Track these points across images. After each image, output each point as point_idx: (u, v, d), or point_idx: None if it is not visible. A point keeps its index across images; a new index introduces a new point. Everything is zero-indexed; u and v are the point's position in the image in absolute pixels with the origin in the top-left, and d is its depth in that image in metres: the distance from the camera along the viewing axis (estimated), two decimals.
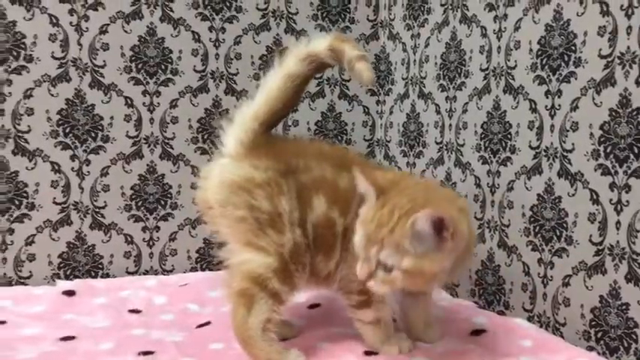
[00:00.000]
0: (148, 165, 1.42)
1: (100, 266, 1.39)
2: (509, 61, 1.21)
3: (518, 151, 1.19)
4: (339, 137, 1.62)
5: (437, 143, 1.43)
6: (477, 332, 1.08)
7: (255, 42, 1.50)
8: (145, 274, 1.43)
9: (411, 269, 0.83)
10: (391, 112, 1.62)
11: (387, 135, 1.64)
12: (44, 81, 1.32)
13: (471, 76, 1.31)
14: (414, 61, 1.52)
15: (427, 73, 1.46)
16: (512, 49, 1.20)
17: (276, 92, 0.99)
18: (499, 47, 1.23)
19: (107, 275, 1.39)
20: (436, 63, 1.43)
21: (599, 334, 1.01)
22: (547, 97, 1.12)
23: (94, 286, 1.28)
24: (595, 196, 1.02)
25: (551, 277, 1.11)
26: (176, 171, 1.44)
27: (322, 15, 1.56)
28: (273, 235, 0.92)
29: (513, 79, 1.20)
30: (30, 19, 1.30)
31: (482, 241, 1.28)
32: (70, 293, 1.23)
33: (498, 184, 1.24)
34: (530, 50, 1.15)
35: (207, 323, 1.11)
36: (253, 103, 0.99)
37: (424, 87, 1.48)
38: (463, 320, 1.14)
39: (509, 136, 1.21)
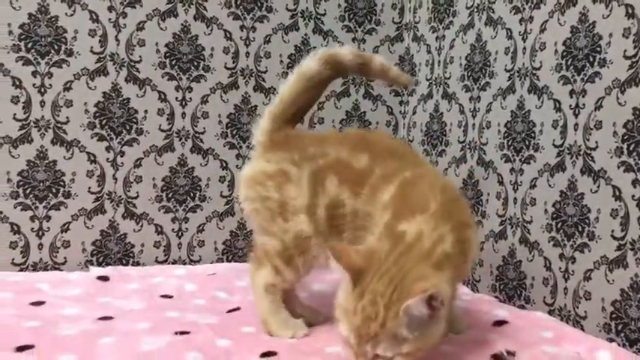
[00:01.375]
0: (179, 158, 1.46)
1: (131, 254, 1.43)
2: (534, 61, 1.24)
3: (541, 149, 1.22)
4: None
5: (460, 142, 1.47)
6: (499, 323, 1.11)
7: (284, 41, 1.55)
8: (173, 263, 1.47)
9: (413, 351, 0.80)
10: (414, 112, 1.66)
11: (409, 134, 1.67)
12: (83, 74, 1.37)
13: (496, 77, 1.35)
14: (439, 62, 1.56)
15: (451, 73, 1.50)
16: (537, 50, 1.23)
17: (288, 90, 1.05)
18: (524, 48, 1.27)
19: (138, 263, 1.43)
20: (461, 64, 1.47)
21: (620, 327, 1.04)
22: (571, 97, 1.15)
23: (126, 273, 1.33)
24: (618, 193, 1.05)
25: (573, 271, 1.14)
26: (205, 164, 1.49)
27: (349, 16, 1.61)
28: (280, 223, 1.00)
29: (538, 79, 1.23)
30: (71, 14, 1.35)
31: (504, 237, 1.31)
32: (103, 278, 1.28)
33: (521, 182, 1.27)
34: (556, 51, 1.18)
35: (237, 309, 1.15)
36: (271, 103, 1.06)
37: (448, 87, 1.51)
38: (485, 313, 1.17)
39: (532, 134, 1.24)
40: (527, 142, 1.25)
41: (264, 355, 0.92)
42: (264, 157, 1.04)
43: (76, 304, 1.12)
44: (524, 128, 1.26)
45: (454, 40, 1.49)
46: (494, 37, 1.35)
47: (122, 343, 0.92)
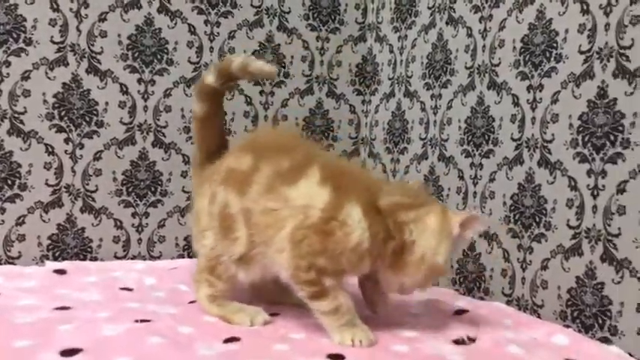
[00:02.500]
0: (140, 152, 1.44)
1: (89, 249, 1.40)
2: (493, 59, 1.28)
3: (500, 143, 1.25)
4: (326, 134, 1.67)
5: (421, 139, 1.49)
6: (460, 312, 1.13)
7: (249, 37, 1.55)
8: (132, 259, 1.44)
9: None
10: (376, 111, 1.68)
11: (372, 133, 1.69)
12: (42, 64, 1.34)
13: (456, 74, 1.38)
14: (401, 61, 1.58)
15: (413, 72, 1.53)
16: (496, 48, 1.27)
17: (197, 138, 1.15)
18: (484, 46, 1.30)
19: (95, 259, 1.40)
20: (422, 63, 1.49)
21: (576, 314, 1.07)
22: (529, 92, 1.18)
23: (84, 267, 1.30)
24: (573, 183, 1.08)
25: (530, 261, 1.17)
26: (167, 159, 1.47)
27: (313, 15, 1.62)
28: (201, 240, 1.07)
29: (497, 75, 1.26)
30: (31, 2, 1.32)
31: None
32: (60, 272, 1.25)
33: (481, 176, 1.30)
34: (514, 48, 1.22)
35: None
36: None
37: (410, 86, 1.54)
38: (445, 303, 1.19)
39: (492, 129, 1.27)
40: (486, 137, 1.28)
41: (227, 340, 0.91)
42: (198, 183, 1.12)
43: (32, 295, 1.09)
44: (483, 123, 1.29)
45: (416, 39, 1.52)
46: (455, 35, 1.38)
47: (81, 329, 0.90)
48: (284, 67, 1.60)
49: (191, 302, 1.12)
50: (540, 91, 1.16)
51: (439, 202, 1.27)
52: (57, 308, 1.01)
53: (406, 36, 1.56)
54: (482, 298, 1.27)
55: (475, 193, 1.31)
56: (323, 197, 0.93)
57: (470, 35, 1.34)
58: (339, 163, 1.06)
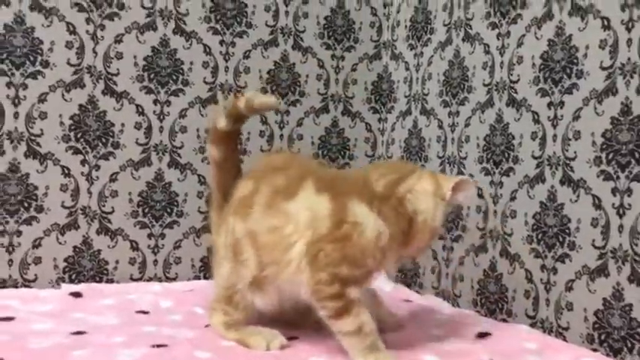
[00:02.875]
0: (155, 172, 1.44)
1: (105, 272, 1.39)
2: (512, 75, 1.26)
3: (521, 161, 1.23)
4: (342, 153, 1.65)
5: (439, 157, 1.47)
6: (483, 335, 1.10)
7: (264, 57, 1.54)
8: (148, 280, 1.43)
9: None
10: (393, 129, 1.66)
11: (388, 151, 1.68)
12: (59, 86, 1.34)
13: (474, 91, 1.36)
14: (417, 79, 1.57)
15: (430, 90, 1.51)
16: (515, 64, 1.25)
17: (213, 181, 1.15)
18: (502, 62, 1.28)
19: (112, 281, 1.39)
20: (439, 80, 1.48)
21: (603, 337, 1.04)
22: (550, 109, 1.16)
23: (99, 290, 1.29)
24: (598, 202, 1.06)
25: (554, 282, 1.14)
26: (183, 179, 1.46)
27: (328, 34, 1.62)
28: (219, 269, 1.08)
29: (516, 92, 1.24)
30: (48, 25, 1.33)
31: (485, 250, 1.31)
32: (76, 295, 1.24)
33: (501, 194, 1.27)
34: (533, 65, 1.20)
35: None
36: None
37: (426, 103, 1.52)
38: (468, 325, 1.16)
39: (511, 147, 1.25)
40: (506, 155, 1.26)
41: None
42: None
43: (48, 319, 1.08)
44: (503, 141, 1.27)
45: (432, 56, 1.51)
46: (472, 52, 1.37)
47: (96, 355, 0.88)
48: (299, 86, 1.59)
49: (208, 325, 1.10)
50: (561, 107, 1.14)
51: (424, 168, 1.31)
52: (73, 333, 1.00)
53: (422, 53, 1.55)
54: (504, 320, 1.24)
55: (495, 211, 1.29)
56: (324, 204, 0.93)
57: (487, 52, 1.32)
58: (332, 172, 1.14)
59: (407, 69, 1.61)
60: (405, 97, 1.61)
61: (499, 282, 1.27)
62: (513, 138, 1.25)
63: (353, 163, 1.66)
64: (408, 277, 1.56)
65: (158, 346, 0.94)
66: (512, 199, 1.24)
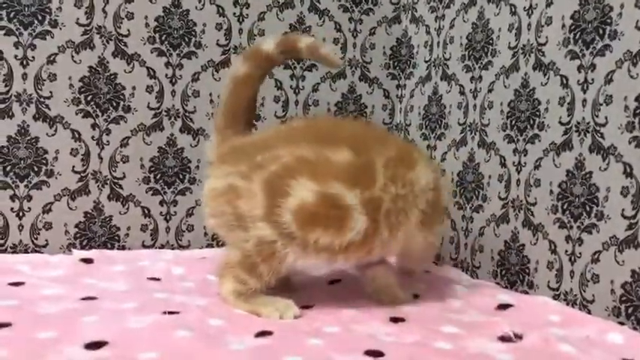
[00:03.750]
0: (167, 138, 1.40)
1: (117, 238, 1.37)
2: (539, 37, 1.20)
3: (547, 128, 1.17)
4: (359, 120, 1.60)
5: (460, 124, 1.42)
6: (503, 307, 1.06)
7: (279, 19, 1.49)
8: (161, 248, 1.41)
9: None
10: (412, 96, 1.61)
11: (407, 118, 1.63)
12: (68, 47, 1.30)
13: (498, 55, 1.30)
14: (438, 43, 1.51)
15: (451, 54, 1.45)
16: (543, 26, 1.19)
17: (224, 99, 1.08)
18: (529, 24, 1.22)
19: (123, 248, 1.37)
20: (461, 44, 1.42)
21: (630, 310, 1.00)
22: (580, 72, 1.10)
23: (111, 256, 1.27)
24: (629, 170, 1.00)
25: (580, 253, 1.09)
26: (196, 145, 1.42)
27: None
28: (239, 233, 0.97)
29: (544, 55, 1.18)
30: None
31: (506, 221, 1.26)
32: (87, 261, 1.21)
33: (525, 163, 1.22)
34: (563, 25, 1.14)
35: None
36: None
37: (447, 69, 1.47)
38: (487, 296, 1.12)
39: (537, 113, 1.19)
40: (531, 121, 1.21)
41: (259, 334, 0.86)
42: (213, 173, 1.03)
43: (58, 284, 1.06)
44: (528, 107, 1.22)
45: (454, 19, 1.44)
46: (498, 14, 1.31)
47: (107, 321, 0.86)
48: None
49: (218, 293, 1.08)
50: (592, 71, 1.08)
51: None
52: (83, 299, 0.98)
53: (444, 16, 1.49)
54: (525, 292, 1.20)
55: (519, 180, 1.24)
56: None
57: (514, 13, 1.26)
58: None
59: (427, 32, 1.55)
60: (425, 62, 1.56)
61: (521, 253, 1.22)
62: (539, 104, 1.19)
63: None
64: None
65: (169, 312, 0.92)
66: (537, 167, 1.19)
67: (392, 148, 1.01)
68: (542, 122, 1.18)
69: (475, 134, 1.37)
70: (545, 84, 1.18)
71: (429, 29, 1.55)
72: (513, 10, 1.26)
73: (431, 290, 1.17)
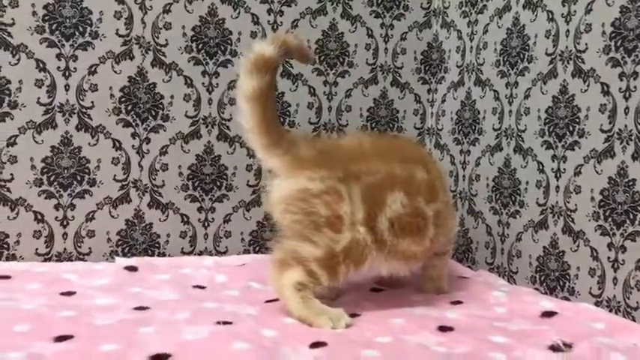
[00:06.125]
0: (205, 145, 1.42)
1: (157, 245, 1.39)
2: (578, 44, 1.20)
3: (587, 135, 1.18)
4: (391, 125, 1.61)
5: (494, 129, 1.42)
6: (547, 314, 1.07)
7: (312, 26, 1.50)
8: (199, 254, 1.42)
9: None
10: (443, 101, 1.61)
11: (438, 123, 1.63)
12: (108, 58, 1.32)
13: (535, 61, 1.31)
14: (471, 48, 1.51)
15: (485, 59, 1.46)
16: (582, 33, 1.19)
17: (256, 118, 1.03)
18: (567, 31, 1.23)
19: (163, 254, 1.39)
20: (495, 49, 1.42)
21: None
22: (621, 80, 1.11)
23: (153, 264, 1.29)
24: None
25: (623, 260, 1.10)
26: (232, 152, 1.44)
27: (377, 1, 1.56)
28: (329, 233, 1.00)
29: (583, 62, 1.19)
30: None
31: (545, 227, 1.27)
32: (131, 269, 1.23)
33: (564, 169, 1.23)
34: (603, 33, 1.14)
35: (276, 300, 1.10)
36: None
37: (481, 74, 1.47)
38: (529, 303, 1.13)
39: (577, 120, 1.20)
40: (571, 128, 1.21)
41: (313, 345, 0.87)
42: (302, 175, 1.03)
43: (107, 294, 1.08)
44: (567, 113, 1.22)
45: (488, 24, 1.45)
46: (534, 20, 1.31)
47: (164, 332, 0.88)
48: (347, 56, 1.55)
49: (268, 302, 1.09)
50: (635, 79, 1.08)
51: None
52: (135, 308, 1.00)
53: (477, 21, 1.49)
54: (566, 298, 1.21)
55: (558, 187, 1.24)
56: None
57: (551, 20, 1.26)
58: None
59: (459, 37, 1.55)
60: (457, 67, 1.56)
61: (560, 259, 1.23)
62: (579, 110, 1.20)
63: (402, 136, 1.62)
64: (459, 252, 1.53)
65: (223, 322, 0.93)
66: (577, 174, 1.20)
67: (432, 162, 1.18)
68: (583, 129, 1.19)
69: (511, 140, 1.37)
70: (585, 91, 1.18)
71: (460, 34, 1.55)
72: (550, 16, 1.26)
73: (472, 296, 1.18)
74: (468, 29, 1.52)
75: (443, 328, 0.97)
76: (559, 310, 1.08)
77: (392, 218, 1.03)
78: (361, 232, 1.01)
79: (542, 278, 1.27)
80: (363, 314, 1.03)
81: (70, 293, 1.07)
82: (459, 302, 1.14)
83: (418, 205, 1.06)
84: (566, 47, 1.23)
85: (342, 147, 1.10)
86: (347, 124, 1.56)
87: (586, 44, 1.18)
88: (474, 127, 1.50)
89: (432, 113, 1.66)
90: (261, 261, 1.37)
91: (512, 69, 1.37)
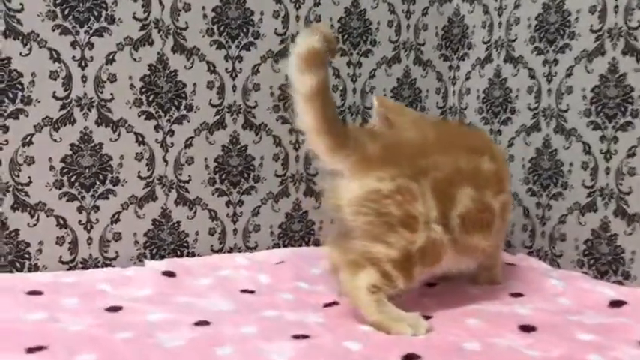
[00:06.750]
0: (230, 136, 1.32)
1: (186, 244, 1.30)
2: (630, 21, 1.15)
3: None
4: (414, 104, 1.55)
5: (530, 109, 1.38)
6: (616, 304, 1.04)
7: (334, 3, 1.41)
8: (229, 251, 1.35)
9: None
10: (467, 78, 1.56)
11: (462, 102, 1.58)
12: (127, 44, 1.20)
13: (577, 38, 1.26)
14: (499, 23, 1.45)
15: (517, 35, 1.40)
16: (633, 9, 1.14)
17: (316, 117, 0.94)
18: (616, 7, 1.18)
19: (192, 254, 1.30)
20: (529, 25, 1.37)
21: None
22: None
23: (187, 266, 1.20)
24: None
25: None
26: (258, 142, 1.35)
27: None
28: (404, 233, 0.94)
29: (636, 39, 1.14)
30: None
31: (594, 209, 1.24)
32: (169, 274, 1.15)
33: (615, 150, 1.19)
34: None
35: (335, 303, 1.04)
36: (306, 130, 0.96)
37: (513, 50, 1.41)
38: (589, 291, 1.10)
39: (629, 99, 1.16)
40: (622, 108, 1.17)
41: (407, 358, 0.82)
42: (372, 175, 0.96)
43: (157, 307, 0.99)
44: (618, 93, 1.18)
45: None
46: None
47: (246, 353, 0.81)
48: (370, 34, 1.47)
49: (326, 305, 1.03)
50: None
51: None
52: (196, 324, 0.92)
53: None
54: (619, 282, 1.19)
55: (608, 168, 1.21)
56: None
57: None
58: None
59: (485, 12, 1.49)
60: (484, 43, 1.50)
61: (613, 243, 1.21)
62: (632, 90, 1.16)
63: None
64: None
65: (299, 337, 0.87)
66: (631, 155, 1.16)
67: (496, 150, 1.12)
68: (637, 110, 1.15)
69: (551, 120, 1.33)
70: (639, 70, 1.14)
71: (487, 9, 1.49)
72: None
73: (527, 286, 1.14)
74: (495, 3, 1.46)
75: (525, 328, 0.93)
76: (624, 298, 1.06)
77: (462, 214, 0.99)
78: (437, 230, 0.96)
79: (592, 262, 1.25)
80: (433, 315, 0.98)
81: (116, 309, 0.98)
82: (519, 294, 1.10)
83: (486, 200, 1.02)
84: (615, 24, 1.18)
85: (406, 140, 1.03)
86: (371, 107, 1.48)
87: (639, 21, 1.14)
88: (504, 107, 1.45)
89: (453, 91, 1.60)
90: (295, 256, 1.31)
91: (551, 46, 1.32)
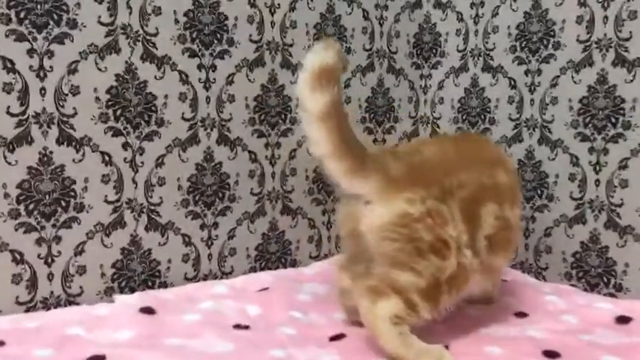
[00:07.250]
0: (204, 152, 1.21)
1: (157, 274, 1.17)
2: (620, 32, 1.14)
3: (634, 127, 1.13)
4: (388, 115, 1.49)
5: (511, 119, 1.35)
6: (622, 320, 1.03)
7: (310, 8, 1.33)
8: (204, 279, 1.23)
9: None
10: (441, 87, 1.52)
11: (434, 111, 1.53)
12: (91, 52, 1.06)
13: (563, 48, 1.24)
14: (476, 31, 1.42)
15: (496, 44, 1.37)
16: (624, 20, 1.14)
17: (334, 139, 0.86)
18: (605, 17, 1.17)
19: (165, 284, 1.18)
20: (510, 34, 1.34)
21: None
22: None
23: (163, 300, 1.08)
24: None
25: None
26: (234, 157, 1.25)
27: None
28: (434, 260, 0.88)
29: (626, 50, 1.14)
30: None
31: (582, 222, 1.22)
32: (147, 310, 1.02)
33: (606, 162, 1.18)
34: None
35: (342, 335, 0.96)
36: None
37: (491, 60, 1.38)
38: (588, 307, 1.09)
39: (620, 111, 1.15)
40: (612, 120, 1.17)
41: None
42: (400, 197, 0.88)
43: (146, 353, 0.87)
44: (607, 104, 1.17)
45: (498, 7, 1.36)
46: (560, 4, 1.24)
47: None
48: (345, 42, 1.39)
49: (333, 339, 0.95)
50: None
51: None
52: None
53: (482, 3, 1.40)
54: (612, 295, 1.18)
55: (598, 180, 1.20)
56: None
57: (583, 4, 1.20)
58: None
59: (460, 20, 1.45)
60: (459, 51, 1.46)
61: (603, 255, 1.20)
62: (623, 101, 1.15)
63: (398, 127, 1.51)
64: None
65: None
66: (622, 167, 1.16)
67: (508, 160, 1.10)
68: (629, 121, 1.14)
69: (534, 130, 1.31)
70: (631, 81, 1.14)
71: (461, 16, 1.45)
72: (582, 1, 1.20)
73: (526, 304, 1.11)
74: (471, 11, 1.43)
75: (549, 354, 0.89)
76: (628, 313, 1.04)
77: (489, 235, 0.93)
78: (467, 255, 0.90)
79: (581, 275, 1.24)
80: (450, 344, 0.92)
81: (99, 359, 0.84)
82: (523, 314, 1.07)
83: (506, 215, 0.97)
84: (605, 35, 1.17)
85: (428, 158, 0.96)
86: None
87: (630, 32, 1.13)
88: (483, 117, 1.42)
89: (425, 100, 1.55)
90: (277, 281, 1.21)
91: (534, 56, 1.30)
